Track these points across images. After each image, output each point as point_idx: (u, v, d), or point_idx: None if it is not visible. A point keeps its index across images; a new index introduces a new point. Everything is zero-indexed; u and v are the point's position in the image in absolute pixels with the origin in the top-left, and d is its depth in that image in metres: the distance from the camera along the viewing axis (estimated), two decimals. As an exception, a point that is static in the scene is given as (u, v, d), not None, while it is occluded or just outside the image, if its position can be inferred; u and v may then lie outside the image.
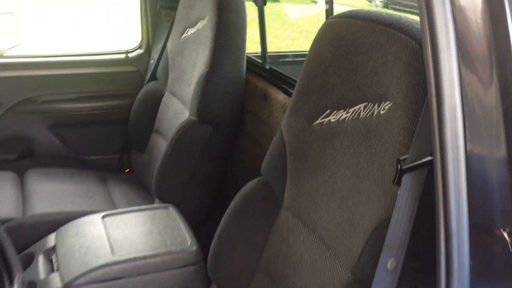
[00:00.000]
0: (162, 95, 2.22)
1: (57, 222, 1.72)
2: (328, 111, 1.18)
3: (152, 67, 2.39)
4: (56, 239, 1.62)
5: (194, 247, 1.55)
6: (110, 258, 1.47)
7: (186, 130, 1.86)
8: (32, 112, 2.35)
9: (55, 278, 1.45)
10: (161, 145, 2.11)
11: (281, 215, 1.29)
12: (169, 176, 1.90)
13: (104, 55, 2.55)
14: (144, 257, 1.49)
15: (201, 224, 1.87)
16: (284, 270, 1.24)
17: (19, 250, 1.66)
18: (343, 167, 1.12)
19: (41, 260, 1.57)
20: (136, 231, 1.60)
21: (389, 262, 0.85)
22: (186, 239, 1.57)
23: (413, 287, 0.91)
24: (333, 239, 1.11)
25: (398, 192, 0.85)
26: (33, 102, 2.35)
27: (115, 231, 1.60)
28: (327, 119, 1.19)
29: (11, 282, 1.02)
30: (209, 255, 1.43)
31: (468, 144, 0.72)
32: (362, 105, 1.09)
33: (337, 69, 1.15)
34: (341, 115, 1.15)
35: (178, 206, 1.80)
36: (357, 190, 1.06)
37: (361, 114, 1.09)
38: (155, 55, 2.41)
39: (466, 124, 0.72)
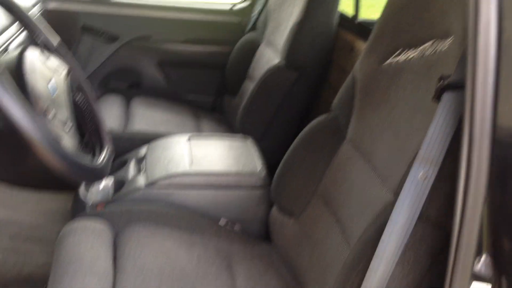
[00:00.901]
0: (258, 45, 2.37)
1: (149, 138, 1.96)
2: (400, 50, 1.25)
3: (254, 19, 2.55)
4: (147, 150, 1.85)
5: (263, 173, 1.69)
6: (188, 169, 1.66)
7: (273, 73, 2.01)
8: (143, 49, 2.64)
9: (141, 178, 1.68)
10: (250, 89, 2.27)
11: (343, 147, 1.39)
12: (253, 114, 2.06)
13: (212, 4, 2.76)
14: (217, 173, 1.66)
15: (275, 162, 2.01)
16: (336, 195, 1.34)
17: (115, 156, 1.92)
18: (402, 102, 1.19)
19: (132, 165, 1.81)
20: (215, 152, 1.79)
21: (420, 174, 0.92)
22: (256, 166, 1.73)
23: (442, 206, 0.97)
24: (383, 166, 1.19)
25: (437, 109, 0.91)
26: (145, 40, 2.63)
27: (197, 149, 1.79)
28: (396, 58, 1.26)
29: (101, 151, 1.23)
30: (274, 179, 1.58)
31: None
32: (429, 43, 1.15)
33: (410, 8, 1.21)
34: (410, 54, 1.22)
35: (257, 142, 1.96)
36: (410, 122, 1.14)
37: (427, 51, 1.15)
38: (257, 8, 2.57)
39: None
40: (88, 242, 1.34)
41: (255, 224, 1.68)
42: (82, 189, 1.72)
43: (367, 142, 1.29)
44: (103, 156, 1.19)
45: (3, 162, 0.98)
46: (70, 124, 1.18)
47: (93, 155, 1.24)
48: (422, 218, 0.94)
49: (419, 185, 0.93)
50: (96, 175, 1.09)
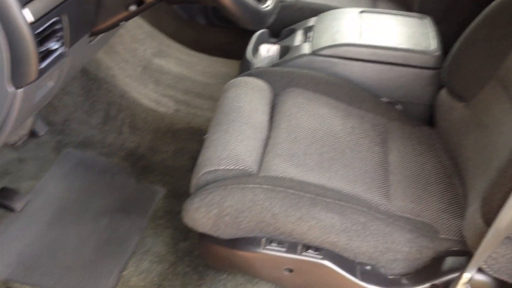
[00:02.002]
0: None
1: (320, 10, 1.89)
2: None
3: None
4: (316, 20, 1.80)
5: (437, 53, 1.54)
6: (355, 40, 1.58)
7: None
8: None
9: (306, 46, 1.65)
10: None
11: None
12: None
13: None
14: (386, 48, 1.55)
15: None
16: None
17: (284, 26, 1.91)
18: None
19: (299, 34, 1.78)
20: (386, 28, 1.66)
21: None
22: (430, 44, 1.57)
23: None
24: None
25: None
26: None
27: (368, 23, 1.69)
28: None
29: None
30: (448, 58, 1.43)
31: None
32: None
33: None
34: None
35: (436, 23, 1.77)
36: None
37: None
38: None
39: None
40: (248, 95, 1.39)
41: (419, 107, 1.57)
42: (249, 54, 1.76)
43: None
44: (269, 3, 1.17)
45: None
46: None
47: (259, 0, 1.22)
48: None
49: None
50: (260, 19, 1.08)
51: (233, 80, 1.48)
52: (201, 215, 1.09)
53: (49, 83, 1.06)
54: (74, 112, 1.85)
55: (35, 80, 0.92)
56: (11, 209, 1.34)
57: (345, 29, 1.65)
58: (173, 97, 1.96)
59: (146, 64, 2.04)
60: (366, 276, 1.08)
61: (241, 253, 1.11)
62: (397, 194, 1.19)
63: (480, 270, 1.00)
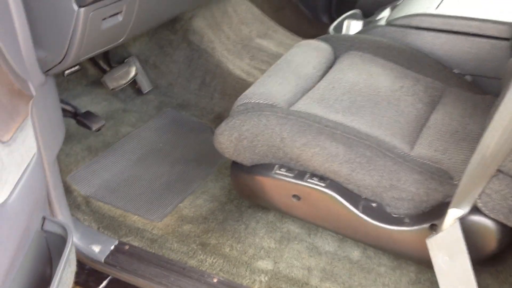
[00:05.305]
0: None
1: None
2: None
3: None
4: (404, -2, 1.81)
5: (515, 24, 1.45)
6: (428, 10, 1.57)
7: None
8: None
9: (384, 18, 1.68)
10: None
11: None
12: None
13: None
14: (459, 17, 1.51)
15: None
16: None
17: (379, 5, 1.94)
18: None
19: (386, 11, 1.80)
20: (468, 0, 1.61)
21: None
22: (507, 15, 1.48)
23: None
24: None
25: None
26: None
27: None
28: None
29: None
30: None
31: None
32: None
33: None
34: None
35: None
36: None
37: None
38: None
39: None
40: (305, 53, 1.47)
41: (491, 81, 1.48)
42: (331, 29, 1.84)
43: None
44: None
45: None
46: None
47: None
48: None
49: None
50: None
51: (299, 42, 1.58)
52: (225, 138, 1.21)
53: (118, 16, 1.27)
54: (177, 77, 2.10)
55: (94, 1, 1.12)
56: (88, 128, 1.59)
57: (423, 0, 1.64)
58: (264, 70, 2.11)
59: (248, 43, 2.23)
60: (369, 211, 1.09)
61: (258, 178, 1.20)
62: (423, 143, 1.16)
63: (477, 210, 0.95)
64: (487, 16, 1.49)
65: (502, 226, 0.95)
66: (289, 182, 1.14)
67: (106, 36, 1.31)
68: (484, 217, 0.95)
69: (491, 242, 0.97)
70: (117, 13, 1.28)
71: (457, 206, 0.92)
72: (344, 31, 1.82)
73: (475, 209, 0.95)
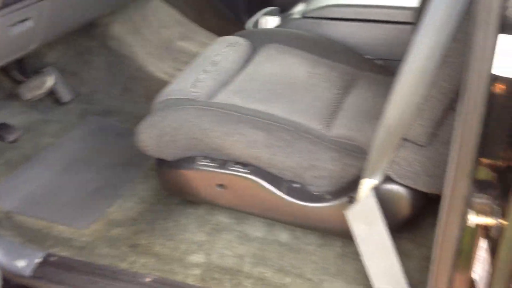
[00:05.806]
0: None
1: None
2: None
3: None
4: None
5: (418, 7, 1.54)
6: (338, 1, 1.64)
7: None
8: None
9: (300, 9, 1.73)
10: None
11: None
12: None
13: None
14: (367, 6, 1.58)
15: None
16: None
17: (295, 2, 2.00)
18: None
19: (301, 5, 1.86)
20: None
21: None
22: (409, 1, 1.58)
23: None
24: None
25: None
26: None
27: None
28: None
29: None
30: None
31: None
32: None
33: None
34: None
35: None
36: None
37: None
38: None
39: None
40: (223, 48, 1.49)
41: (398, 61, 1.56)
42: (249, 25, 1.87)
43: None
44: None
45: None
46: None
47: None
48: None
49: None
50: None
51: (217, 39, 1.59)
52: (146, 136, 1.20)
53: (28, 22, 1.24)
54: (99, 84, 2.06)
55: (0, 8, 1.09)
56: (2, 139, 1.53)
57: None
58: (187, 72, 2.12)
59: (169, 45, 2.23)
60: (292, 192, 1.12)
61: (182, 171, 1.20)
62: (339, 124, 1.21)
63: (389, 179, 1.00)
64: (393, 3, 1.58)
65: (413, 191, 1.00)
66: (212, 171, 1.15)
67: (16, 43, 1.27)
68: (396, 184, 1.00)
69: (405, 207, 1.02)
70: (27, 19, 1.24)
71: (370, 176, 0.97)
72: (262, 27, 1.86)
73: (387, 178, 0.99)
